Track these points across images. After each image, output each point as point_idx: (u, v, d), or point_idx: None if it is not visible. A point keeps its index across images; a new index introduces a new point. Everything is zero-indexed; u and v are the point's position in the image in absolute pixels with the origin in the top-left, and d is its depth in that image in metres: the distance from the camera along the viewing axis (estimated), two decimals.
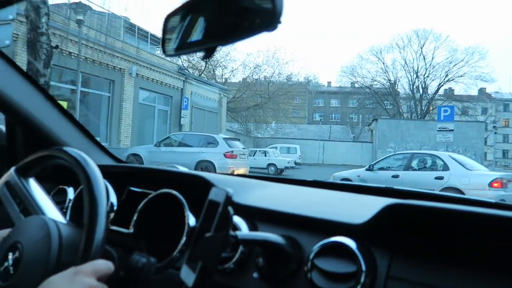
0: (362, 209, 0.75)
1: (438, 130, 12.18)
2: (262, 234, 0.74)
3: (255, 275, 0.75)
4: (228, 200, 0.61)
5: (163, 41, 0.63)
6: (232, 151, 11.19)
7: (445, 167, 7.68)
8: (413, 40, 36.88)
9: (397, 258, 0.66)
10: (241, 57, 53.77)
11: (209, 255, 0.60)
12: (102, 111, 13.31)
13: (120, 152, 10.52)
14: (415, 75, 35.88)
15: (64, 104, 10.63)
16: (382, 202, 0.70)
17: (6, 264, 0.70)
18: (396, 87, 36.45)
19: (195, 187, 0.92)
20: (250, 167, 12.51)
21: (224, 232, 0.60)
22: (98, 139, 1.31)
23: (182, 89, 16.76)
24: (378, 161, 9.09)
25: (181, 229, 0.87)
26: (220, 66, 26.50)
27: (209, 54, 0.56)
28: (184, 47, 0.61)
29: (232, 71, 28.16)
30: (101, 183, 0.70)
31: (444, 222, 0.65)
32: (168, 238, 0.90)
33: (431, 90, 36.37)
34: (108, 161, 1.30)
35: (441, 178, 7.45)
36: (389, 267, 0.65)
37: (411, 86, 36.13)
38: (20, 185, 0.80)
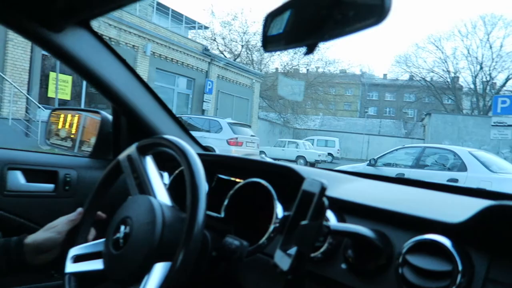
0: (457, 208, 0.77)
1: (492, 125, 9.92)
2: (354, 227, 0.76)
3: (343, 266, 0.79)
4: (323, 191, 0.66)
5: (264, 39, 0.68)
6: (236, 138, 9.95)
7: (462, 167, 6.49)
8: (479, 26, 32.77)
9: (496, 261, 0.66)
10: None
11: (305, 241, 0.65)
12: None
13: None
14: (478, 66, 31.79)
15: (69, 78, 10.71)
16: (479, 203, 0.72)
17: (118, 235, 0.82)
18: (456, 80, 32.57)
19: (281, 177, 0.99)
20: (278, 159, 12.31)
21: (318, 221, 0.65)
22: None
23: (207, 71, 15.62)
24: (384, 154, 7.35)
25: (268, 216, 0.94)
26: (258, 51, 24.91)
27: (310, 50, 0.59)
28: (284, 44, 0.65)
29: (271, 56, 26.50)
30: (201, 172, 0.79)
31: None
32: (255, 225, 0.99)
33: (498, 83, 31.99)
34: (198, 150, 1.44)
35: (455, 180, 6.21)
36: (488, 270, 0.65)
37: (474, 78, 32.08)
38: (139, 161, 0.91)
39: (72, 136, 1.49)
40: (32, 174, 1.19)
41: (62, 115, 1.55)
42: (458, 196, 0.94)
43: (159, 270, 0.74)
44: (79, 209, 0.97)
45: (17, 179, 1.17)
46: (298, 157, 17.68)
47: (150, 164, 0.93)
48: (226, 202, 1.02)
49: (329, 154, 20.74)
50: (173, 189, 1.14)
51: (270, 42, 0.67)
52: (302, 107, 28.88)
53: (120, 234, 0.82)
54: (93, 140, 1.41)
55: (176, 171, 1.21)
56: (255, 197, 1.00)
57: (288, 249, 0.67)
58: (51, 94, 10.03)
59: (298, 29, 0.62)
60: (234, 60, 23.37)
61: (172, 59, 14.65)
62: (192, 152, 0.81)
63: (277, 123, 25.53)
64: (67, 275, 0.93)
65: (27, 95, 9.57)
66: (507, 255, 0.65)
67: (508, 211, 0.65)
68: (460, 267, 0.65)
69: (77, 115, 1.51)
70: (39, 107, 9.57)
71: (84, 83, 11.58)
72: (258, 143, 11.89)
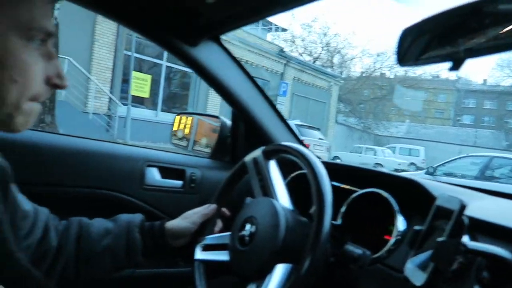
0: None
1: None
2: (492, 247, 0.73)
3: (476, 287, 0.76)
4: (463, 208, 0.67)
5: (399, 53, 0.68)
6: (303, 140, 9.50)
7: None
8: None
9: None
10: (361, 44, 49.32)
11: (442, 258, 0.65)
12: (190, 90, 13.53)
13: None
14: None
15: (148, 78, 11.40)
16: None
17: (243, 232, 0.90)
18: None
19: (402, 190, 1.00)
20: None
21: (458, 239, 0.66)
22: None
23: (282, 73, 15.43)
24: (445, 163, 6.51)
25: (383, 227, 0.99)
26: (339, 53, 24.12)
27: (456, 66, 0.58)
28: (424, 59, 0.65)
29: (352, 59, 25.48)
30: (327, 181, 0.83)
31: None
32: (370, 234, 1.02)
33: None
34: None
35: None
36: None
37: None
38: (263, 164, 0.99)
39: (186, 136, 1.71)
40: (165, 171, 1.35)
41: (184, 118, 1.78)
42: None
43: (280, 270, 0.80)
44: (213, 205, 1.07)
45: (154, 175, 1.32)
46: (376, 164, 16.64)
47: (273, 168, 1.00)
48: (343, 209, 1.08)
49: (412, 163, 19.17)
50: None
51: (408, 57, 0.67)
52: (385, 113, 27.28)
53: (246, 232, 0.90)
54: (203, 141, 1.61)
55: (288, 177, 1.30)
56: (369, 207, 1.05)
57: (421, 264, 0.68)
58: (133, 92, 10.66)
59: (440, 43, 0.62)
60: (313, 62, 22.87)
61: (246, 60, 14.72)
62: (317, 161, 0.87)
63: (356, 129, 24.54)
64: (197, 262, 1.05)
65: (107, 92, 10.27)
66: None
67: None
68: None
69: (190, 118, 1.73)
70: (118, 104, 10.20)
71: (162, 82, 11.86)
72: (328, 147, 11.40)
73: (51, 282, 0.83)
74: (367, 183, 1.08)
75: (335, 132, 20.42)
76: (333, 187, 1.07)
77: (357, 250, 0.85)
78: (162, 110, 12.44)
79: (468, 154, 8.00)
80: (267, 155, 1.00)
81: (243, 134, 1.45)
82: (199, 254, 1.05)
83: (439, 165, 7.31)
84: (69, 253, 0.86)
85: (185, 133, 1.73)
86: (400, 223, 0.94)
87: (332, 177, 0.99)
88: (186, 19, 1.08)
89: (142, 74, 11.40)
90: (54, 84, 0.62)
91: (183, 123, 1.76)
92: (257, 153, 1.01)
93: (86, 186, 1.22)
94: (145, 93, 11.66)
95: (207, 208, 1.04)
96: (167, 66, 12.50)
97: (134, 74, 10.92)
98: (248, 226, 0.90)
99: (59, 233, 0.87)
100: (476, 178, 6.55)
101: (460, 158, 7.45)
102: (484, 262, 0.75)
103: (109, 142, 1.41)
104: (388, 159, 17.75)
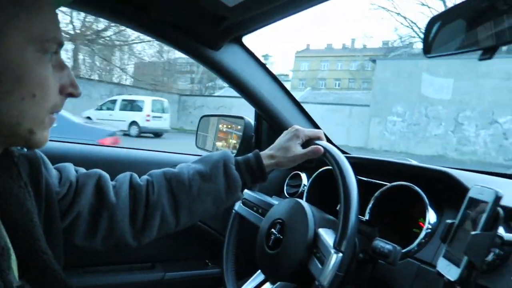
0: None
1: None
2: None
3: None
4: (498, 200, 0.65)
5: (426, 42, 0.68)
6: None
7: None
8: None
9: None
10: None
11: (477, 252, 0.64)
12: None
13: None
14: None
15: None
16: None
17: (272, 236, 0.93)
18: None
19: (432, 181, 0.98)
20: None
21: (493, 232, 0.64)
22: None
23: None
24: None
25: (413, 221, 1.00)
26: None
27: (489, 55, 0.57)
28: (454, 49, 0.64)
29: None
30: (352, 176, 0.83)
31: None
32: (399, 228, 1.02)
33: None
34: None
35: None
36: None
37: None
38: None
39: (211, 139, 1.72)
40: None
41: (209, 121, 1.79)
42: None
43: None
44: (320, 148, 0.97)
45: None
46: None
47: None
48: (371, 205, 1.07)
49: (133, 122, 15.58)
50: (313, 190, 1.29)
51: (436, 47, 0.67)
52: None
53: (273, 236, 0.93)
54: (228, 142, 1.63)
55: (315, 173, 1.32)
56: (400, 201, 1.04)
57: (454, 258, 0.68)
58: None
59: (471, 31, 0.60)
60: None
61: None
62: (342, 157, 0.87)
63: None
64: (234, 212, 1.21)
65: None
66: None
67: None
68: None
69: (215, 119, 1.74)
70: None
71: None
72: None
73: (149, 235, 0.84)
74: (393, 176, 1.07)
75: None
76: (360, 181, 1.03)
77: (387, 246, 0.84)
78: None
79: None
80: None
81: (266, 133, 1.50)
82: (238, 207, 1.22)
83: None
84: (165, 207, 0.85)
85: (210, 135, 1.77)
86: (432, 216, 0.92)
87: (358, 171, 0.97)
88: (208, 25, 1.09)
89: None
90: (68, 93, 0.63)
91: (210, 125, 1.78)
92: None
93: None
94: None
95: (312, 151, 0.94)
96: None
97: None
98: (276, 230, 0.94)
99: (128, 187, 0.85)
100: None
101: None
102: None
103: (139, 149, 1.45)
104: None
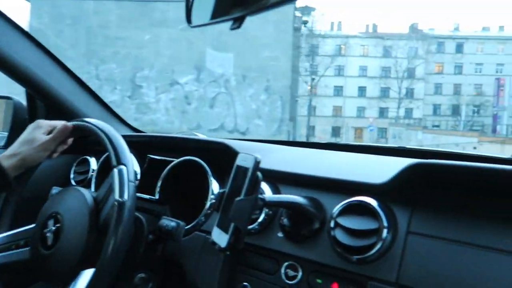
0: (381, 169, 0.83)
1: None
2: (287, 197, 0.84)
3: (279, 234, 0.85)
4: (257, 165, 0.69)
5: (188, 12, 0.68)
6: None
7: None
8: None
9: (416, 214, 0.74)
10: None
11: (241, 217, 0.67)
12: None
13: None
14: None
15: None
16: (401, 162, 0.80)
17: (46, 233, 0.83)
18: None
19: (217, 154, 1.02)
20: None
21: (254, 196, 0.68)
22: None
23: None
24: None
25: (204, 194, 0.99)
26: None
27: (238, 24, 0.58)
28: (210, 18, 0.65)
29: None
30: (127, 151, 0.82)
31: (461, 178, 0.73)
32: (191, 203, 1.02)
33: None
34: (127, 131, 1.45)
35: None
36: (409, 223, 0.74)
37: None
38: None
39: None
40: None
41: None
42: (385, 157, 1.00)
43: (87, 277, 0.77)
44: (69, 124, 0.96)
45: None
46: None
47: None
48: (159, 184, 1.06)
49: None
50: (103, 174, 1.20)
51: (195, 16, 0.68)
52: None
53: (48, 232, 0.84)
54: None
55: (104, 155, 1.24)
56: (190, 176, 1.05)
57: (225, 225, 0.71)
58: None
59: (223, 1, 0.62)
60: None
61: None
62: (113, 132, 0.85)
63: None
64: None
65: None
66: (425, 209, 0.74)
67: (426, 168, 0.74)
68: (385, 224, 0.73)
69: None
70: None
71: None
72: None
73: None
74: (183, 152, 1.07)
75: None
76: (151, 160, 1.11)
77: (171, 223, 0.85)
78: None
79: None
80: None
81: (43, 115, 1.31)
82: None
83: None
84: None
85: None
86: (215, 186, 0.97)
87: (150, 150, 1.06)
88: None
89: None
90: None
91: None
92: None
93: None
94: None
95: (59, 130, 0.93)
96: None
97: None
98: (51, 225, 0.84)
99: None
100: None
101: None
102: (285, 211, 0.84)
103: None
104: None
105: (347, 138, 35.55)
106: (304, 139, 26.42)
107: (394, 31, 38.67)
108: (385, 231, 0.71)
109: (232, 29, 0.57)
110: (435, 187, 0.74)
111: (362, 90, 38.26)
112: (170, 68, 10.35)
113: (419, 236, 0.70)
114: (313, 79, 31.09)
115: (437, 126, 31.99)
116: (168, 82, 10.45)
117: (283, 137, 9.77)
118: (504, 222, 0.65)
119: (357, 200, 0.76)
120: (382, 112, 37.14)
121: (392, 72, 36.42)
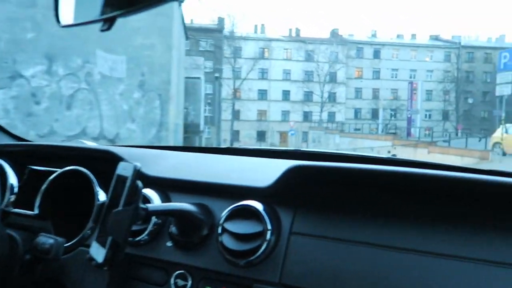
0: (268, 172, 0.85)
1: None
2: (173, 204, 0.83)
3: (168, 243, 0.83)
4: (136, 173, 0.66)
5: (57, 11, 0.65)
6: None
7: None
8: None
9: (299, 215, 0.77)
10: None
11: (119, 229, 0.64)
12: None
13: None
14: None
15: None
16: (286, 164, 0.81)
17: None
18: None
19: (103, 162, 0.97)
20: None
21: (133, 206, 0.65)
22: None
23: None
24: None
25: (91, 206, 0.94)
26: None
27: (109, 25, 0.57)
28: (81, 18, 0.63)
29: None
30: None
31: (337, 179, 0.77)
32: (77, 217, 0.96)
33: None
34: (6, 140, 1.33)
35: None
36: (292, 224, 0.76)
37: None
38: None
39: None
40: None
41: None
42: (276, 160, 1.01)
43: None
44: None
45: None
46: None
47: None
48: (39, 197, 0.99)
49: None
50: None
51: (65, 17, 0.65)
52: None
53: None
54: None
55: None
56: (76, 187, 0.98)
57: (103, 239, 0.67)
58: None
59: (93, 2, 0.60)
60: None
61: None
62: None
63: None
64: None
65: None
66: (307, 209, 0.76)
67: (306, 170, 0.77)
68: (269, 226, 0.75)
69: None
70: None
71: None
72: None
73: None
74: (69, 161, 1.00)
75: None
76: (32, 171, 1.01)
77: (49, 240, 0.78)
78: None
79: None
80: None
81: None
82: None
83: None
84: None
85: None
86: (102, 198, 0.92)
87: (34, 161, 0.97)
88: None
89: None
90: None
91: None
92: None
93: None
94: None
95: None
96: None
97: None
98: None
99: None
100: None
101: None
102: (173, 220, 0.81)
103: None
104: None
105: (272, 142, 34.90)
106: (228, 145, 24.76)
107: (316, 36, 39.34)
108: (269, 233, 0.74)
109: (102, 30, 0.56)
110: (316, 188, 0.78)
111: (286, 94, 38.14)
112: (11, 57, 7.93)
113: (301, 236, 0.73)
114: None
115: (359, 129, 33.23)
116: (7, 75, 7.97)
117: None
118: (377, 217, 0.69)
119: (242, 205, 0.78)
120: (306, 116, 37.28)
121: (314, 76, 36.66)
